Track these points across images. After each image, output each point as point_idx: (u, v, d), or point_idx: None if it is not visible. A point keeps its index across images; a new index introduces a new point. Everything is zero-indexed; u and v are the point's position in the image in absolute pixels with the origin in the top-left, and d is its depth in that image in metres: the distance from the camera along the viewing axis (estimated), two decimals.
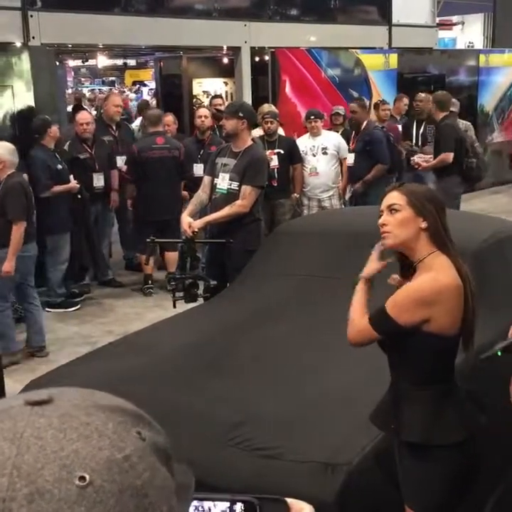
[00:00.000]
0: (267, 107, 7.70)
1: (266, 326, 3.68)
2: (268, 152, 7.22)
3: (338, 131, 8.35)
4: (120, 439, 0.61)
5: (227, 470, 2.57)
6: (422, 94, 8.94)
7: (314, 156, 7.55)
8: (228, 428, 2.74)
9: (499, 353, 1.84)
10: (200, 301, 4.70)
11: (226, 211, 4.91)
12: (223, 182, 5.00)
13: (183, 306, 4.59)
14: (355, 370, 3.09)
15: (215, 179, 5.06)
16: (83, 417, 0.61)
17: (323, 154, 7.53)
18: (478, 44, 17.05)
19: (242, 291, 4.33)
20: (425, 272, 2.35)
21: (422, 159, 7.60)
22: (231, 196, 4.95)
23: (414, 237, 2.38)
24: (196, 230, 4.90)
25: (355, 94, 10.24)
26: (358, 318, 2.46)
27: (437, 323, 2.31)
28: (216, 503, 0.77)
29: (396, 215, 2.39)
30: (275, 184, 7.29)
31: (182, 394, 3.04)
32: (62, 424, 0.60)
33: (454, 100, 8.62)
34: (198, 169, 7.20)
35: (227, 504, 0.77)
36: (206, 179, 5.19)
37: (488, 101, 12.68)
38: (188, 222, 4.90)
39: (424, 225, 2.36)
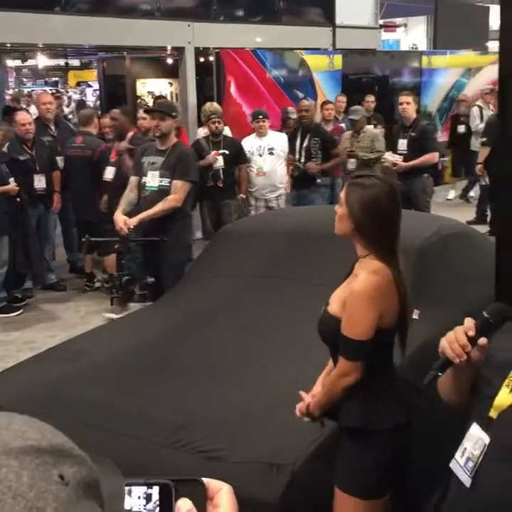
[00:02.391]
0: (209, 106, 7.66)
1: (210, 326, 3.65)
2: (213, 153, 7.19)
3: (287, 133, 8.41)
4: (38, 496, 0.52)
5: (171, 473, 2.51)
6: (306, 102, 7.96)
7: (261, 156, 7.52)
8: (171, 431, 2.69)
9: (439, 373, 1.82)
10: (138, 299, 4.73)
11: (159, 207, 4.98)
12: (153, 180, 5.08)
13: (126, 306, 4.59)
14: (298, 369, 3.07)
15: (144, 178, 5.13)
16: None
17: (270, 154, 7.51)
18: (422, 46, 17.34)
19: (187, 292, 4.28)
20: (354, 276, 2.39)
21: (394, 158, 7.48)
22: (163, 193, 5.05)
23: (350, 234, 2.41)
24: (132, 226, 4.93)
25: (301, 95, 10.28)
26: (332, 377, 2.43)
27: (384, 317, 2.34)
28: (132, 489, 0.73)
29: (339, 209, 2.42)
30: (221, 185, 7.26)
31: (124, 397, 2.99)
32: None
33: (357, 107, 8.20)
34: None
35: (144, 489, 0.73)
36: (133, 179, 5.27)
37: (431, 102, 12.88)
38: (123, 219, 4.96)
39: (353, 226, 2.37)
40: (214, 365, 3.23)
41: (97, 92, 16.13)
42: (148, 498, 0.73)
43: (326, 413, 2.48)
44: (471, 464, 1.63)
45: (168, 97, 10.26)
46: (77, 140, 7.14)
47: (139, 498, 0.73)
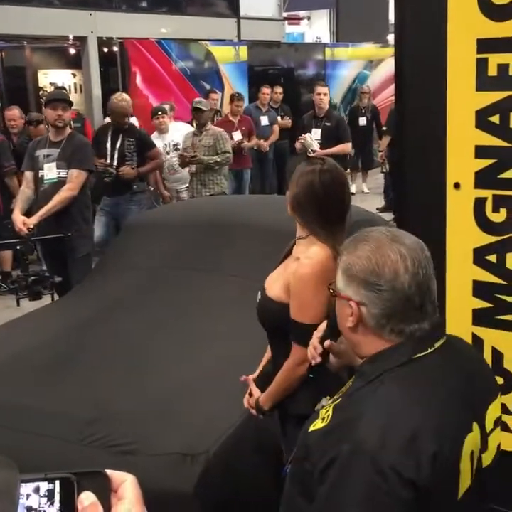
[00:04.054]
0: (118, 96, 7.51)
1: (120, 320, 3.60)
2: None
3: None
4: None
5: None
6: (124, 95, 6.65)
7: (168, 153, 7.46)
8: (81, 426, 2.64)
9: (310, 375, 1.83)
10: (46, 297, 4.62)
11: (56, 199, 4.90)
12: (51, 172, 5.00)
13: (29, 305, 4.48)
14: (211, 359, 3.08)
15: (41, 171, 5.03)
16: None
17: (176, 150, 7.44)
18: (325, 39, 17.61)
19: (96, 286, 4.20)
20: (295, 259, 2.37)
21: (314, 142, 7.35)
22: (62, 184, 4.97)
23: (292, 215, 2.41)
24: (31, 226, 4.81)
25: (208, 87, 10.27)
26: (287, 367, 2.32)
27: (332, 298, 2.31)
28: (37, 485, 0.71)
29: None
30: None
31: (30, 395, 2.91)
32: None
33: (201, 99, 7.34)
34: None
35: (46, 484, 0.71)
36: (28, 174, 5.15)
37: (335, 93, 13.10)
38: (22, 219, 4.84)
39: (290, 207, 2.39)
40: (125, 359, 3.18)
41: None
42: (50, 493, 0.71)
43: (275, 406, 2.40)
44: None
45: (72, 89, 10.02)
46: None
47: (41, 495, 0.71)
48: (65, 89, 8.99)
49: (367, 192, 11.40)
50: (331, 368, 1.71)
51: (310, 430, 1.42)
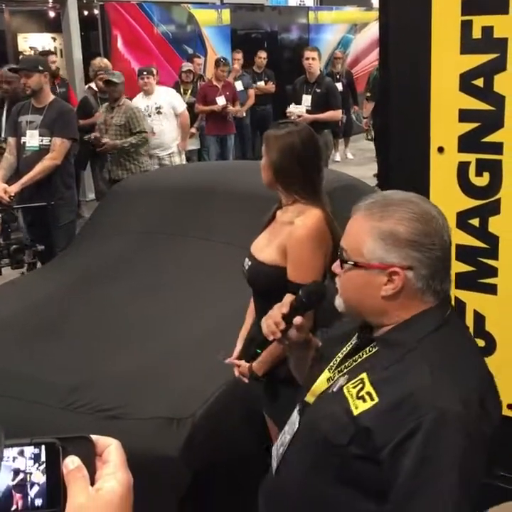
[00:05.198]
0: (98, 61, 7.42)
1: (105, 286, 3.59)
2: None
3: (187, 89, 8.28)
4: None
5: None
6: (9, 73, 6.09)
7: (150, 116, 7.35)
8: (67, 392, 2.65)
9: (258, 351, 1.80)
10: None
11: (39, 168, 4.85)
12: (33, 139, 4.94)
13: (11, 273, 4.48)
14: (197, 324, 3.09)
15: (23, 138, 4.98)
16: None
17: (158, 114, 7.33)
18: (309, 2, 17.37)
19: (80, 253, 4.18)
20: (287, 223, 2.36)
21: (298, 110, 7.32)
22: (44, 152, 4.91)
23: (273, 183, 2.40)
24: (13, 194, 4.77)
25: (190, 51, 10.14)
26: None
27: (328, 258, 2.31)
28: (23, 449, 0.72)
29: (262, 160, 2.42)
30: None
31: (15, 361, 2.91)
32: None
33: (114, 72, 6.87)
34: None
35: (32, 448, 0.73)
36: (11, 140, 5.10)
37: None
38: (3, 187, 4.79)
39: (272, 173, 2.38)
40: (109, 325, 3.18)
41: None
42: (36, 457, 0.73)
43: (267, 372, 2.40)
44: (282, 450, 1.58)
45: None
46: None
47: (27, 458, 0.73)
48: (52, 53, 8.78)
49: (351, 158, 11.37)
50: (289, 341, 1.68)
51: (357, 413, 1.37)
